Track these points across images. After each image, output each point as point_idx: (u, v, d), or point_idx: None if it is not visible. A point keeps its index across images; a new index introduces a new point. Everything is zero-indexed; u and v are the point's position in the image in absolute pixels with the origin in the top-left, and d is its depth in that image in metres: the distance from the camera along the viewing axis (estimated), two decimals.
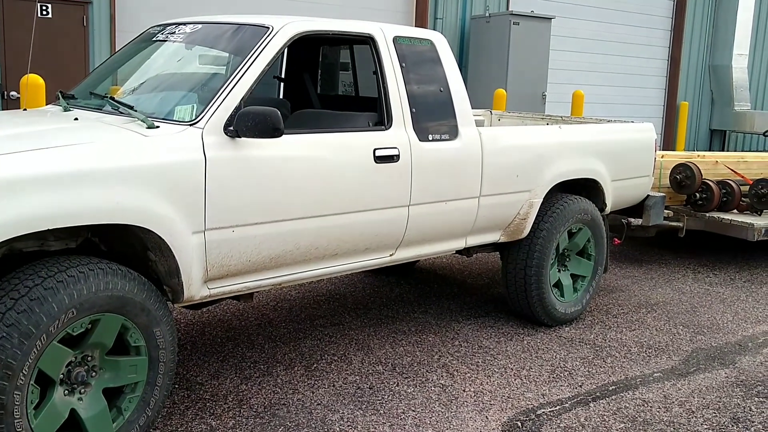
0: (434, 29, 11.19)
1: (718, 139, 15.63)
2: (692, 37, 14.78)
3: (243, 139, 3.36)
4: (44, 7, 8.41)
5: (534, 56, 11.38)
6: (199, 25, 3.96)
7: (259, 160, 3.40)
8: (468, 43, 11.72)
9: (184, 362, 4.26)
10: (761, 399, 4.10)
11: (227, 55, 3.72)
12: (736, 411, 3.94)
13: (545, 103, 11.66)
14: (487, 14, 11.53)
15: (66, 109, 3.74)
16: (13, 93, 8.23)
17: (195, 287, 3.31)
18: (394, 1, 11.20)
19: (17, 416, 2.74)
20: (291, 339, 4.68)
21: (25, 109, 4.08)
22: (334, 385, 4.04)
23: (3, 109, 8.27)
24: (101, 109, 3.66)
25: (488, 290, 5.91)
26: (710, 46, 15.12)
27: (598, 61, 13.51)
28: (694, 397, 4.09)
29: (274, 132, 3.27)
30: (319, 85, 5.36)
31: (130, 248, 3.34)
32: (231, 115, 3.35)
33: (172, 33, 4.02)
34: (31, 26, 8.17)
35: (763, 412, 3.94)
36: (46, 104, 6.01)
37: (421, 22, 11.20)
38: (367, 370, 4.25)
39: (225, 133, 3.33)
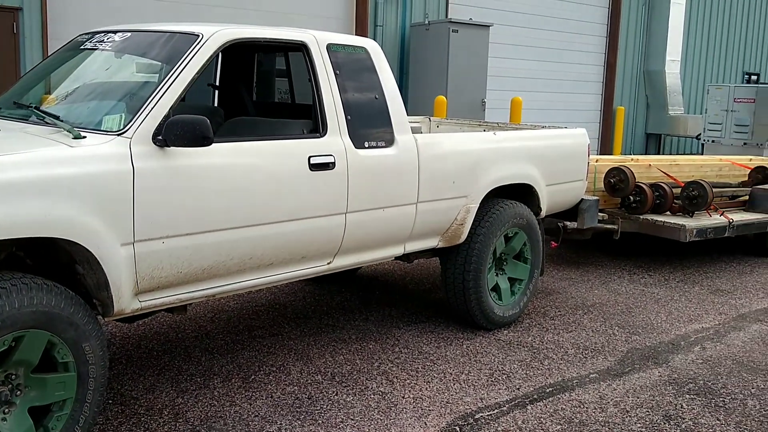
0: (374, 37, 11.27)
1: (653, 143, 16.07)
2: (627, 44, 15.19)
3: (172, 148, 3.31)
4: None
5: (473, 63, 11.53)
6: (129, 33, 3.89)
7: (190, 169, 3.35)
8: (408, 51, 11.81)
9: (118, 377, 4.16)
10: (692, 396, 4.21)
11: (157, 63, 3.66)
12: (668, 409, 4.04)
13: (485, 110, 11.82)
14: (426, 22, 11.64)
15: None
16: None
17: (125, 300, 3.23)
18: (334, 9, 11.21)
19: None
20: (229, 350, 4.61)
21: None
22: (272, 396, 4.00)
23: None
24: (26, 120, 3.55)
25: (429, 295, 5.94)
26: (644, 52, 15.56)
27: (536, 68, 13.76)
28: (628, 397, 4.17)
29: (203, 140, 3.22)
30: (255, 92, 5.32)
31: (57, 261, 3.25)
32: (159, 124, 3.29)
33: (101, 41, 3.93)
34: None
35: (694, 408, 4.05)
36: None
37: (361, 30, 11.24)
38: (306, 380, 4.22)
39: (154, 142, 3.27)
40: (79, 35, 4.20)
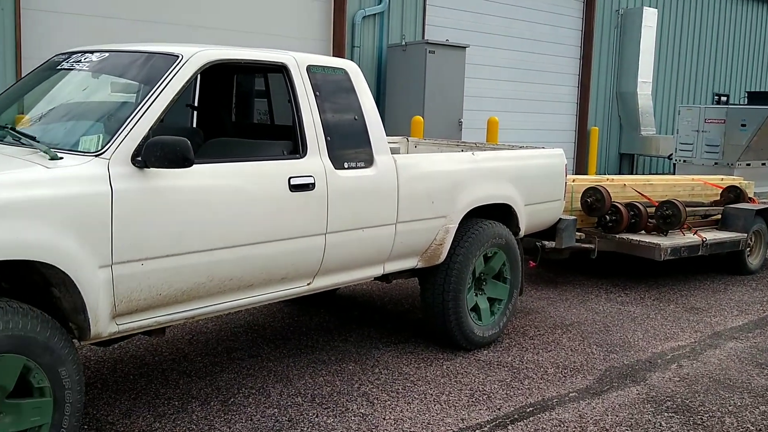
0: (351, 58, 11.32)
1: (627, 163, 16.27)
2: (600, 65, 15.41)
3: (152, 169, 3.28)
4: None
5: (450, 84, 11.62)
6: (107, 53, 3.87)
7: (169, 190, 3.32)
8: (385, 71, 11.87)
9: (93, 401, 4.09)
10: (670, 414, 4.23)
11: (135, 83, 3.64)
12: (648, 427, 4.05)
13: (462, 130, 11.90)
14: (403, 43, 11.72)
15: None
16: None
17: (102, 324, 3.19)
18: (311, 30, 11.25)
19: None
20: (207, 373, 4.56)
21: None
22: (251, 419, 3.95)
23: None
24: (2, 141, 3.51)
25: (408, 316, 5.93)
26: (617, 74, 15.79)
27: (512, 88, 13.91)
28: (608, 415, 4.18)
29: (183, 162, 3.20)
30: (234, 113, 5.31)
31: (32, 284, 3.19)
32: (139, 145, 3.27)
33: (78, 61, 3.91)
34: None
35: (672, 427, 4.07)
36: None
37: (338, 51, 11.28)
38: (286, 402, 4.18)
39: (133, 163, 3.25)
40: (56, 55, 4.17)
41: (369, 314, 5.94)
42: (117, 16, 9.25)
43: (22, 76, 8.49)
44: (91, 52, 3.95)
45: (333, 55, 10.68)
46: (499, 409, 4.23)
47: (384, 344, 5.22)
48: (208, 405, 4.11)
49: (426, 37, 12.18)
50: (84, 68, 3.86)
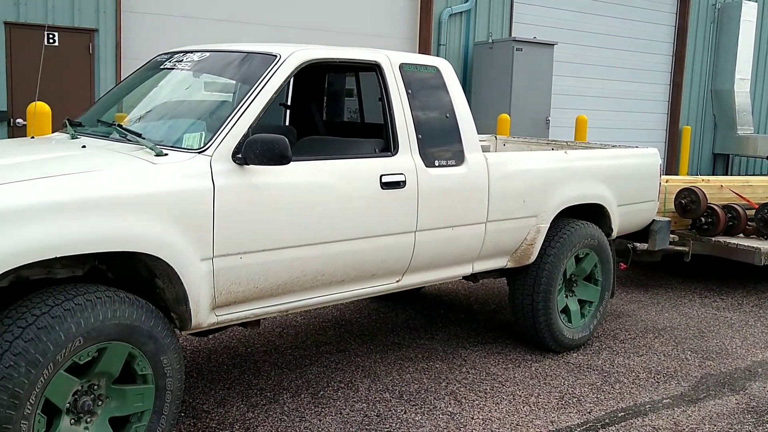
0: (438, 55, 11.29)
1: (721, 163, 15.65)
2: (694, 62, 14.86)
3: (251, 166, 3.37)
4: (51, 35, 8.49)
5: (537, 81, 11.45)
6: (207, 53, 3.99)
7: (267, 187, 3.40)
8: (471, 69, 11.80)
9: (190, 390, 4.23)
10: None
11: (235, 83, 3.74)
12: None
13: (549, 128, 11.71)
14: (490, 40, 11.62)
15: (73, 137, 3.75)
16: (19, 120, 8.28)
17: (203, 314, 3.29)
18: (398, 28, 11.29)
19: None
20: (297, 366, 4.65)
21: (32, 137, 4.10)
22: (341, 413, 4.01)
23: (9, 137, 8.32)
24: (109, 137, 3.67)
25: (495, 316, 5.89)
26: (712, 71, 15.19)
27: (601, 86, 13.58)
28: (705, 424, 4.04)
29: (281, 159, 3.27)
30: (325, 111, 5.39)
31: (137, 275, 3.33)
32: (239, 142, 3.36)
33: (180, 61, 4.05)
34: (37, 54, 8.25)
35: None
36: (53, 131, 6.04)
37: (424, 49, 11.28)
38: (374, 398, 4.22)
39: (233, 160, 3.34)
40: (159, 55, 4.33)
41: (455, 313, 5.92)
42: (206, 17, 9.53)
43: (122, 75, 8.86)
44: (193, 51, 4.08)
45: (419, 54, 10.69)
46: (589, 412, 4.15)
47: (471, 344, 5.19)
48: (298, 397, 4.19)
49: (513, 35, 12.03)
50: (185, 68, 4.00)
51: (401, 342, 5.17)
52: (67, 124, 3.95)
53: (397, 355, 4.90)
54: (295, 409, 4.03)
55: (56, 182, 2.88)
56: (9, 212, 2.69)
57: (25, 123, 8.25)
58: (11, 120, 8.28)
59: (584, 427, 3.97)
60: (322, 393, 4.25)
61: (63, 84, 8.48)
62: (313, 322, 5.52)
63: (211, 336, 5.05)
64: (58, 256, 2.78)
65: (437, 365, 4.76)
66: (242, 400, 4.13)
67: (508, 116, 10.18)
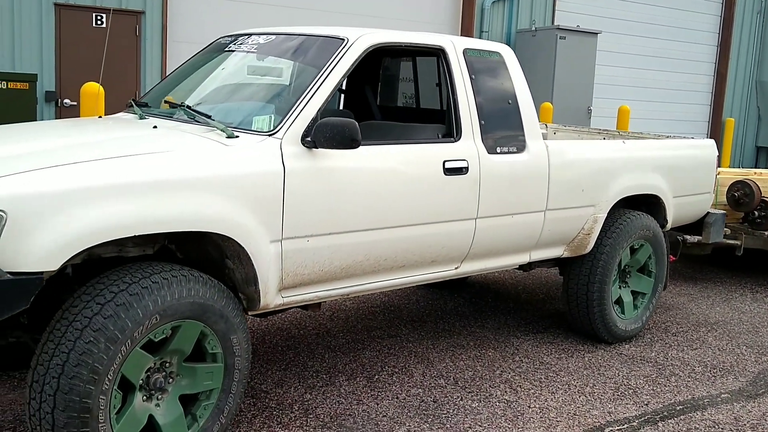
0: None
1: (764, 157, 15.38)
2: (739, 53, 14.60)
3: (319, 149, 3.37)
4: (99, 17, 8.56)
5: (580, 70, 11.33)
6: (272, 36, 3.99)
7: (335, 170, 3.41)
8: None
9: None
10: None
11: (303, 66, 3.74)
12: None
13: (590, 117, 11.60)
14: (533, 28, 11.51)
15: (141, 117, 3.78)
16: (66, 101, 8.38)
17: (270, 296, 3.31)
18: (440, 15, 11.22)
19: (101, 421, 2.76)
20: (350, 349, 4.67)
21: (100, 117, 4.14)
22: (397, 398, 4.02)
23: (57, 117, 8.42)
24: (177, 118, 3.69)
25: (544, 305, 5.86)
26: (757, 62, 14.91)
27: (643, 76, 13.40)
28: (765, 420, 3.99)
29: (351, 143, 3.27)
30: (379, 96, 5.37)
31: (206, 255, 3.36)
32: (308, 125, 3.37)
33: (245, 43, 4.05)
34: (85, 35, 8.33)
35: None
36: (105, 112, 6.10)
37: (466, 35, 11.21)
38: (429, 384, 4.23)
39: (302, 143, 3.34)
40: (222, 37, 4.34)
41: (504, 302, 5.90)
42: (254, 1, 9.54)
43: (168, 57, 8.92)
44: (258, 34, 4.09)
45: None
46: (646, 404, 4.12)
47: (522, 333, 5.17)
48: (354, 380, 4.21)
49: (556, 23, 11.89)
50: (251, 50, 4.00)
51: (452, 329, 5.17)
52: (133, 104, 3.98)
53: (449, 342, 4.90)
54: (352, 392, 4.05)
55: (132, 162, 2.91)
56: (85, 192, 2.72)
57: (72, 103, 8.35)
58: (59, 100, 8.38)
59: (642, 418, 3.94)
60: (377, 377, 4.27)
61: (111, 65, 8.55)
62: (362, 307, 5.54)
63: (264, 318, 5.09)
64: (135, 234, 2.81)
65: (490, 353, 4.75)
66: (299, 381, 4.16)
67: (550, 105, 10.09)
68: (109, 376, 2.75)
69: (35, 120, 7.54)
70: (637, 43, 13.21)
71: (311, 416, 3.76)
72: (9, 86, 7.11)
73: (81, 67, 8.32)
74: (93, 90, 6.04)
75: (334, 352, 4.61)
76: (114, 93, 8.10)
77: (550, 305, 5.87)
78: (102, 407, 2.75)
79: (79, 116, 7.44)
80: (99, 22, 8.58)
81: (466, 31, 11.27)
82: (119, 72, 8.66)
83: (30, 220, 2.60)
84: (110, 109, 6.48)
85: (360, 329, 5.06)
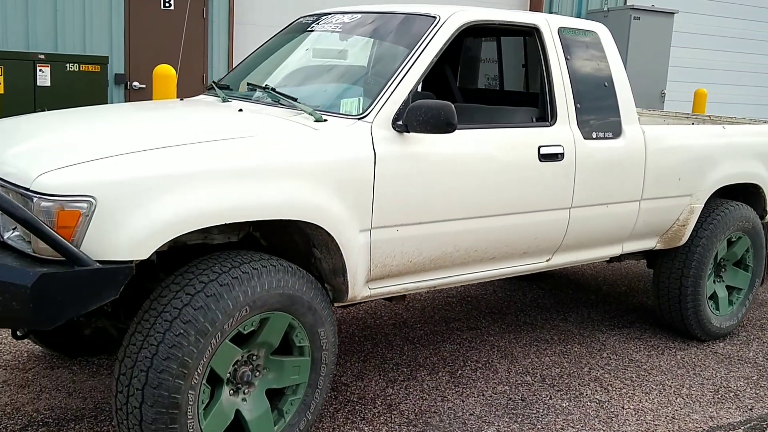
0: None
1: None
2: None
3: (411, 134, 3.19)
4: (167, 1, 8.52)
5: (654, 52, 10.89)
6: (358, 15, 3.82)
7: (427, 156, 3.22)
8: None
9: None
10: None
11: (391, 45, 3.56)
12: None
13: (664, 101, 11.14)
14: (605, 8, 11.09)
15: (224, 100, 3.66)
16: (135, 83, 8.37)
17: (358, 287, 3.16)
18: None
19: (190, 417, 2.65)
20: (429, 342, 4.50)
21: (181, 99, 4.04)
22: (483, 395, 3.84)
23: (126, 100, 8.43)
24: (259, 101, 3.55)
25: (627, 298, 5.59)
26: None
27: (722, 59, 12.83)
28: None
29: (447, 127, 3.08)
30: (458, 77, 5.16)
31: (292, 244, 3.22)
32: (400, 108, 3.18)
33: (329, 23, 3.89)
34: (153, 18, 8.31)
35: None
36: (177, 95, 6.03)
37: None
38: (516, 380, 4.03)
39: (393, 127, 3.17)
40: (303, 17, 4.18)
41: (585, 294, 5.66)
42: None
43: (234, 41, 8.85)
44: (341, 13, 3.92)
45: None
46: (750, 409, 3.85)
47: (607, 327, 4.93)
48: (436, 375, 4.04)
49: (630, 2, 11.43)
50: (335, 29, 3.84)
51: (533, 322, 4.95)
52: (215, 86, 3.86)
53: (531, 336, 4.69)
54: (435, 388, 3.89)
55: (223, 146, 2.78)
56: (178, 177, 2.60)
57: (141, 86, 8.34)
58: (128, 83, 8.38)
59: (748, 425, 3.68)
60: (460, 372, 4.10)
61: (178, 48, 8.50)
62: (437, 297, 5.36)
63: (343, 308, 4.96)
64: (227, 222, 2.68)
65: (576, 348, 4.53)
66: (379, 374, 4.01)
67: None
68: (198, 370, 2.63)
69: (106, 102, 7.54)
70: (716, 24, 12.62)
71: (395, 412, 3.61)
72: (81, 68, 7.11)
73: (149, 49, 8.30)
74: (165, 72, 5.97)
75: (413, 344, 4.45)
76: (181, 76, 8.06)
77: (633, 298, 5.60)
78: (191, 402, 2.64)
79: (150, 99, 7.42)
80: (167, 5, 8.54)
81: (534, 11, 10.92)
82: (186, 55, 8.60)
83: (120, 206, 2.49)
84: (180, 92, 6.41)
85: (438, 320, 4.88)
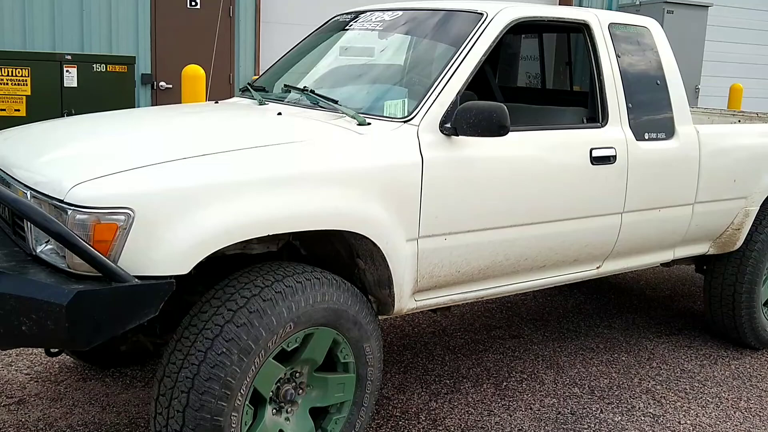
0: None
1: None
2: None
3: (459, 137, 3.02)
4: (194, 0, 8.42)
5: (688, 46, 10.60)
6: (399, 12, 3.65)
7: (476, 160, 3.05)
8: None
9: None
10: None
11: (437, 43, 3.39)
12: None
13: (698, 97, 10.87)
14: (637, 2, 10.83)
15: (261, 103, 3.51)
16: (162, 83, 8.27)
17: (405, 299, 3.00)
18: None
19: None
20: (471, 351, 4.33)
21: (216, 102, 3.90)
22: (531, 408, 3.67)
23: (153, 100, 8.34)
24: (298, 103, 3.41)
25: (672, 303, 5.38)
26: None
27: (757, 53, 12.50)
28: None
29: (499, 130, 2.90)
30: (498, 75, 4.98)
31: (334, 255, 3.07)
32: (447, 110, 3.02)
33: (368, 20, 3.73)
34: (179, 18, 8.20)
35: None
36: (206, 96, 5.91)
37: None
38: (563, 392, 3.86)
39: (441, 131, 3.00)
40: (339, 14, 4.03)
41: (627, 299, 5.46)
42: None
43: (261, 39, 8.72)
44: (381, 10, 3.76)
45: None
46: None
47: (654, 334, 4.73)
48: (480, 387, 3.88)
49: None
50: (375, 27, 3.68)
51: (577, 329, 4.77)
52: (250, 88, 3.72)
53: (576, 345, 4.51)
54: (480, 401, 3.72)
55: (265, 154, 2.63)
56: (220, 186, 2.45)
57: (168, 86, 8.24)
58: (155, 83, 8.29)
59: None
60: (505, 384, 3.93)
61: (205, 47, 8.40)
62: (477, 303, 5.19)
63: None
64: (272, 233, 2.53)
65: (623, 358, 4.34)
66: (421, 386, 3.86)
67: None
68: (242, 390, 2.49)
69: (133, 103, 7.44)
70: (752, 17, 12.30)
71: (440, 428, 3.45)
72: (108, 69, 7.01)
73: (175, 49, 8.20)
74: (194, 73, 5.86)
75: (455, 354, 4.28)
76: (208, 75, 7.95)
77: (678, 302, 5.39)
78: (234, 425, 2.50)
79: (178, 99, 7.32)
80: (193, 3, 8.43)
81: (565, 5, 10.68)
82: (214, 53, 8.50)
83: (160, 219, 2.35)
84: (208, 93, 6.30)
85: (478, 328, 4.72)
